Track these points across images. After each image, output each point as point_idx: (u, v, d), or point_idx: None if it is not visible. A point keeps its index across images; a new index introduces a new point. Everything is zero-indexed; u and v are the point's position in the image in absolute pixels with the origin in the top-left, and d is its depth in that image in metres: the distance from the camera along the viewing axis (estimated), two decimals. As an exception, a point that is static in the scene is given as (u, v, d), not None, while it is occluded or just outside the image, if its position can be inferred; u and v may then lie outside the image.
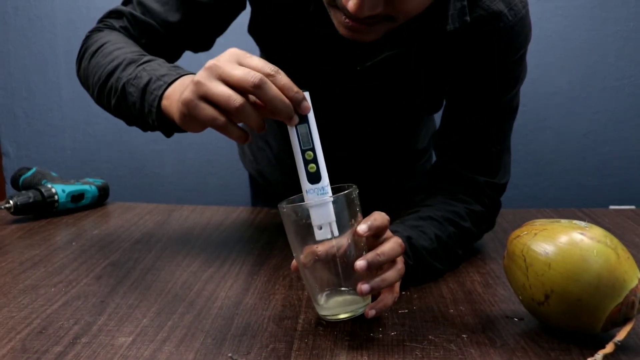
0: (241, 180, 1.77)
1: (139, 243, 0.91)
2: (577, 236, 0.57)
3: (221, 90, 0.55)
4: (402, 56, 0.79)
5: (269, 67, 0.56)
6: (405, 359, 0.56)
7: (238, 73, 0.55)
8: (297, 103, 0.57)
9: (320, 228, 0.56)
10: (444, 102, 0.88)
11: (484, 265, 0.81)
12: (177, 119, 0.63)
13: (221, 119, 0.57)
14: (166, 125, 0.69)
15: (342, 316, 0.60)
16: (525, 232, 0.61)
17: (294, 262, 0.62)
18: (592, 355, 0.53)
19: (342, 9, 0.64)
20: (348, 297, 0.59)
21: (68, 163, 1.86)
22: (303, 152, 0.56)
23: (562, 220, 0.60)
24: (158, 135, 1.76)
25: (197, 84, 0.57)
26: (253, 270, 0.79)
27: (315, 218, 0.56)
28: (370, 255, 0.58)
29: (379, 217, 0.59)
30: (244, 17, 0.89)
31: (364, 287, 0.57)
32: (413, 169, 1.11)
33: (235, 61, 0.56)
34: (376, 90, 0.85)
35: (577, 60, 1.68)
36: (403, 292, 0.71)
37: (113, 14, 0.86)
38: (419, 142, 1.09)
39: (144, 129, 0.73)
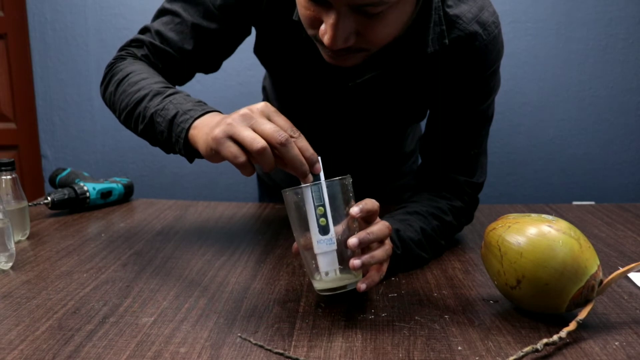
0: (249, 179, 1.77)
1: (159, 235, 0.90)
2: (545, 228, 0.57)
3: (248, 134, 0.57)
4: (386, 75, 0.79)
5: (292, 129, 0.58)
6: (394, 337, 0.56)
7: (268, 128, 0.57)
8: (311, 164, 0.58)
9: (327, 274, 0.58)
10: (427, 112, 0.88)
11: (464, 254, 0.81)
12: (202, 151, 0.64)
13: (242, 157, 0.58)
14: (190, 153, 0.69)
15: (336, 286, 0.59)
16: (500, 225, 0.61)
17: (295, 244, 0.62)
18: (557, 332, 0.53)
19: (321, 43, 0.66)
20: (341, 275, 0.59)
21: (98, 164, 1.86)
22: (316, 207, 0.57)
23: (532, 215, 0.60)
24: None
25: (229, 125, 0.58)
26: (260, 259, 0.79)
27: (323, 265, 0.58)
28: (361, 233, 0.58)
29: (369, 202, 0.60)
30: (250, 39, 0.89)
31: (355, 261, 0.57)
32: (401, 170, 1.11)
33: (266, 116, 0.59)
34: (366, 104, 0.85)
35: (545, 74, 1.68)
36: (392, 278, 0.71)
37: (134, 42, 0.85)
38: (407, 145, 1.09)
39: (167, 152, 0.74)
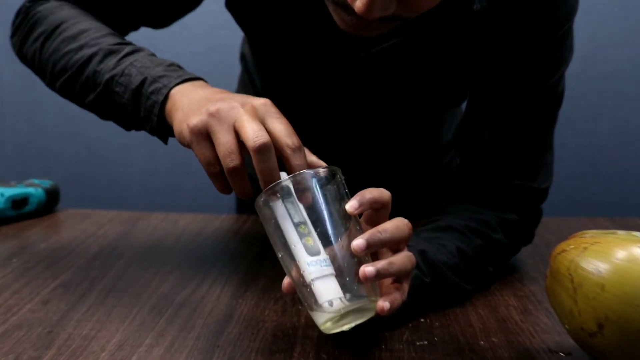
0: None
1: (96, 259, 0.90)
2: (637, 251, 0.57)
3: (227, 140, 0.61)
4: (415, 41, 0.79)
5: (291, 137, 0.61)
6: (424, 402, 0.56)
7: (249, 129, 0.60)
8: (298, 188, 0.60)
9: (331, 304, 0.58)
10: (468, 92, 0.88)
11: (522, 287, 0.81)
12: (175, 135, 0.68)
13: (216, 168, 0.63)
14: (165, 131, 0.72)
15: (349, 309, 0.59)
16: (573, 246, 0.61)
17: (286, 279, 0.62)
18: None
19: (344, 7, 0.65)
20: (350, 303, 0.59)
21: (9, 159, 1.86)
22: (297, 225, 0.60)
23: (619, 232, 0.60)
24: (120, 128, 1.77)
25: (212, 117, 0.62)
26: (238, 293, 0.79)
27: (322, 294, 0.58)
28: (370, 232, 0.59)
29: (372, 190, 0.61)
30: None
31: (367, 269, 0.57)
32: (435, 170, 1.11)
33: (260, 116, 0.62)
34: (385, 81, 0.85)
35: None
36: (421, 319, 0.71)
37: None
38: (443, 135, 1.09)
39: (128, 128, 0.76)
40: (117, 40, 0.78)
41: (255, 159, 0.60)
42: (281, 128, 0.62)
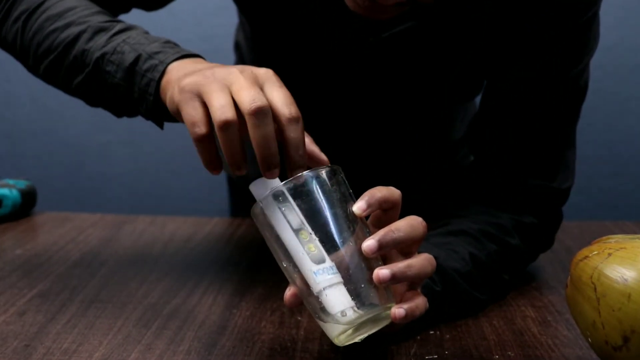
0: (216, 182, 1.78)
1: (77, 266, 0.91)
2: (665, 257, 0.57)
3: (222, 97, 0.60)
4: (427, 26, 0.79)
5: (289, 109, 0.61)
6: (434, 421, 0.56)
7: (246, 93, 0.60)
8: (293, 167, 0.61)
9: (344, 314, 0.58)
10: (483, 84, 0.88)
11: (540, 296, 0.82)
12: (167, 105, 0.67)
13: (203, 128, 0.61)
14: (161, 113, 0.71)
15: (362, 320, 0.59)
16: (596, 252, 0.61)
17: (290, 289, 0.62)
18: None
19: None
20: (364, 311, 0.59)
21: (-19, 159, 1.87)
22: (297, 232, 0.60)
23: (646, 236, 0.60)
24: (103, 122, 1.77)
25: (205, 78, 0.62)
26: (232, 302, 0.79)
27: (335, 304, 0.59)
28: (382, 231, 0.59)
29: (381, 189, 0.61)
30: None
31: (381, 272, 0.58)
32: (447, 166, 1.11)
33: (259, 83, 0.62)
34: (394, 70, 0.85)
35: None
36: (431, 331, 0.72)
37: None
38: (454, 131, 1.10)
39: (119, 115, 0.76)
40: (107, 18, 0.78)
41: (250, 124, 0.59)
42: (280, 96, 0.62)
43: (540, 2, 0.77)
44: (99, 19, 0.77)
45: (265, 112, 0.59)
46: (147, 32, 0.76)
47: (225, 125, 0.59)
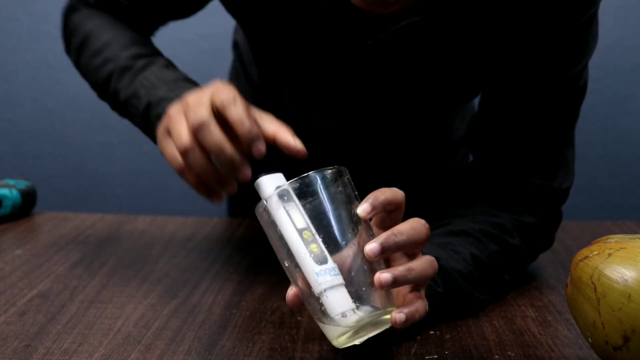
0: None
1: (77, 267, 0.91)
2: (665, 257, 0.57)
3: (179, 128, 0.65)
4: (427, 24, 0.79)
5: (220, 98, 0.64)
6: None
7: (188, 117, 0.64)
8: (247, 142, 0.63)
9: (345, 316, 0.59)
10: (485, 83, 0.88)
11: (540, 296, 0.82)
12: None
13: (178, 161, 0.66)
14: None
15: (362, 323, 0.59)
16: (596, 252, 0.61)
17: (291, 289, 0.62)
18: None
19: None
20: (363, 314, 0.59)
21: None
22: (300, 232, 0.60)
23: (646, 236, 0.60)
24: (103, 122, 1.77)
25: (167, 115, 0.68)
26: (232, 302, 0.79)
27: (336, 305, 0.59)
28: (385, 235, 0.59)
29: (385, 190, 0.61)
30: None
31: (383, 275, 0.58)
32: (447, 166, 1.11)
33: (209, 94, 0.65)
34: (395, 71, 0.85)
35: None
36: (431, 332, 0.72)
37: None
38: (454, 130, 1.09)
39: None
40: (135, 51, 0.85)
41: (199, 142, 0.63)
42: (215, 93, 0.64)
43: (539, 3, 0.77)
44: (128, 53, 0.85)
45: (204, 124, 0.63)
46: (167, 65, 0.83)
47: (184, 151, 0.64)
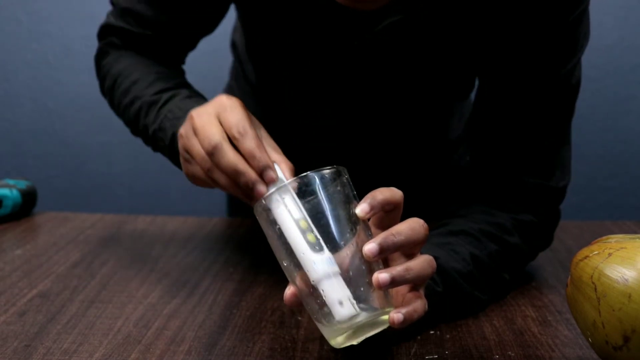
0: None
1: (77, 266, 0.91)
2: (665, 257, 0.57)
3: (196, 149, 0.69)
4: (413, 22, 0.79)
5: (238, 128, 0.67)
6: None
7: (201, 140, 0.68)
8: (259, 169, 0.66)
9: (341, 304, 0.59)
10: (476, 82, 0.88)
11: (540, 296, 0.82)
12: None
13: (200, 175, 0.70)
14: None
15: (358, 324, 0.59)
16: (597, 252, 0.61)
17: (289, 288, 0.62)
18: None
19: None
20: (362, 313, 0.59)
21: (-19, 159, 1.87)
22: (297, 222, 0.60)
23: (646, 236, 0.60)
24: (103, 122, 1.77)
25: (181, 137, 0.72)
26: (232, 302, 0.79)
27: (330, 294, 0.59)
28: (383, 235, 0.59)
29: (383, 190, 0.62)
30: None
31: (381, 276, 0.58)
32: (445, 166, 1.11)
33: (217, 115, 0.69)
34: (383, 70, 0.85)
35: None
36: (431, 331, 0.72)
37: (107, 30, 0.97)
38: (451, 130, 1.09)
39: None
40: (160, 86, 0.88)
41: (214, 163, 0.67)
42: (230, 120, 0.67)
43: (528, 0, 0.76)
44: (153, 89, 0.88)
45: (218, 147, 0.66)
46: (190, 95, 0.85)
47: (209, 171, 0.68)
